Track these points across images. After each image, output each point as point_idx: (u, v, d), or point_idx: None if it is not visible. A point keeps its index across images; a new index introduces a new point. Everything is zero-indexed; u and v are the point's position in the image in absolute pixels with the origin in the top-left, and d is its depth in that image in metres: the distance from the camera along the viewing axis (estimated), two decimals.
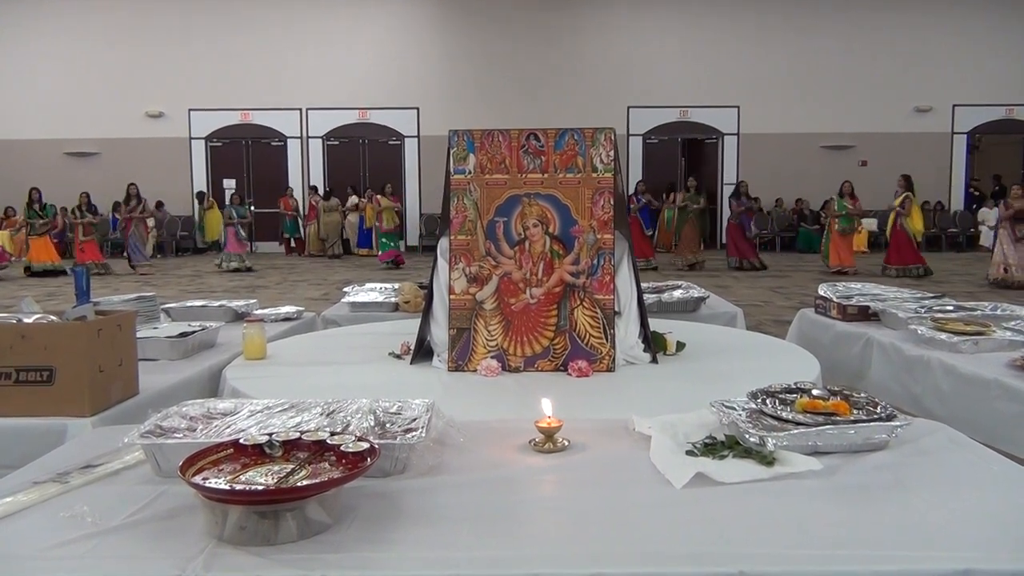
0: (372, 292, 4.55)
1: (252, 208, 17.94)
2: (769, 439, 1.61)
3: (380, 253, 15.22)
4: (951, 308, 3.76)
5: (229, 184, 18.77)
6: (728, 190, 18.65)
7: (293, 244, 17.93)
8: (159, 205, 17.56)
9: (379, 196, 16.04)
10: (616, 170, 2.78)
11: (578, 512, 1.40)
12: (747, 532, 1.29)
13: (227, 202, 15.47)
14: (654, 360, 2.81)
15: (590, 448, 1.72)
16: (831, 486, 1.49)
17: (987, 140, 19.74)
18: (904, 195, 12.06)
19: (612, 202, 2.75)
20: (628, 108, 18.32)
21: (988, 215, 17.64)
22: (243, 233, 14.60)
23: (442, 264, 2.85)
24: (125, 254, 14.17)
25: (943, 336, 3.17)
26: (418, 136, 18.58)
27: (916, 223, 12.32)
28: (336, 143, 18.86)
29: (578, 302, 2.74)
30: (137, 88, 18.12)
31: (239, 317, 3.92)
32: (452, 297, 2.77)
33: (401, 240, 16.91)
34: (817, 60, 18.26)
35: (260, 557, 1.20)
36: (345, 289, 4.71)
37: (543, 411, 1.74)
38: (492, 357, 2.71)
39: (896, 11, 18.17)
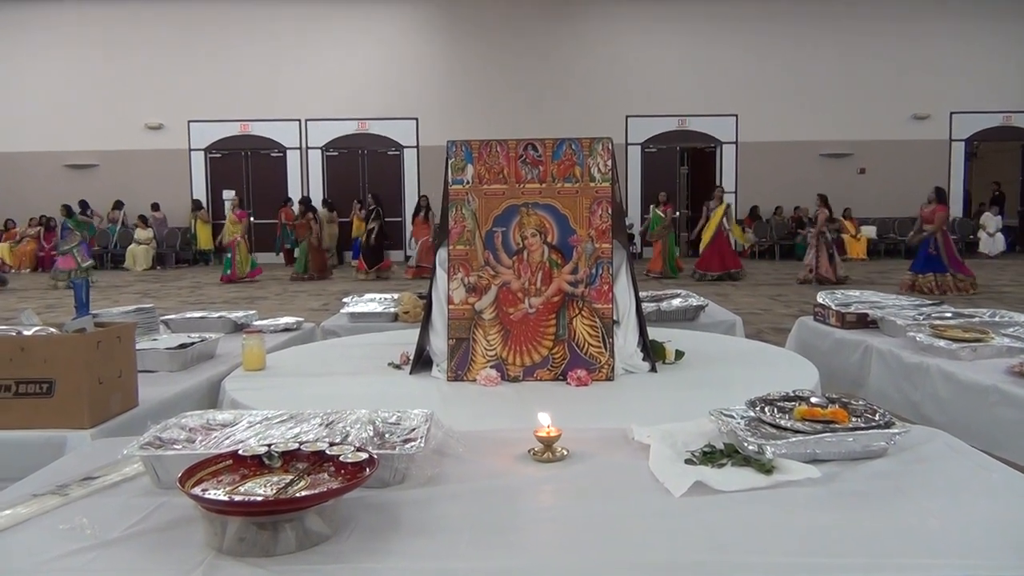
0: (371, 303, 4.57)
1: (253, 216, 17.90)
2: (768, 447, 1.61)
3: (224, 274, 13.81)
4: (949, 315, 3.77)
5: (228, 195, 18.75)
6: (726, 199, 18.71)
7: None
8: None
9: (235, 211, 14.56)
10: (614, 179, 2.79)
11: (577, 522, 1.40)
12: (746, 541, 1.29)
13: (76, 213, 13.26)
14: (653, 369, 2.81)
15: (589, 457, 1.72)
16: (830, 494, 1.49)
17: (985, 147, 19.79)
18: (725, 205, 13.52)
19: (610, 211, 2.76)
20: (627, 117, 18.35)
21: (988, 221, 17.66)
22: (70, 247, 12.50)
23: (441, 274, 2.85)
24: None
25: (942, 343, 3.17)
26: (417, 147, 18.60)
27: (737, 231, 14.36)
28: (335, 154, 18.88)
29: (577, 311, 2.74)
30: (136, 100, 18.17)
31: (238, 328, 3.93)
32: (451, 307, 2.78)
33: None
34: (815, 68, 18.32)
35: (259, 568, 1.20)
36: (344, 300, 4.72)
37: (542, 421, 1.74)
38: (491, 367, 2.71)
39: (893, 20, 18.23)
